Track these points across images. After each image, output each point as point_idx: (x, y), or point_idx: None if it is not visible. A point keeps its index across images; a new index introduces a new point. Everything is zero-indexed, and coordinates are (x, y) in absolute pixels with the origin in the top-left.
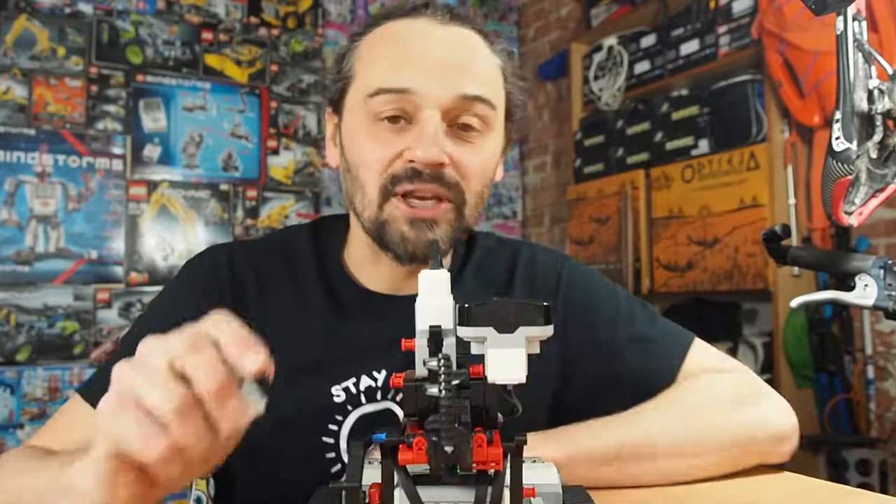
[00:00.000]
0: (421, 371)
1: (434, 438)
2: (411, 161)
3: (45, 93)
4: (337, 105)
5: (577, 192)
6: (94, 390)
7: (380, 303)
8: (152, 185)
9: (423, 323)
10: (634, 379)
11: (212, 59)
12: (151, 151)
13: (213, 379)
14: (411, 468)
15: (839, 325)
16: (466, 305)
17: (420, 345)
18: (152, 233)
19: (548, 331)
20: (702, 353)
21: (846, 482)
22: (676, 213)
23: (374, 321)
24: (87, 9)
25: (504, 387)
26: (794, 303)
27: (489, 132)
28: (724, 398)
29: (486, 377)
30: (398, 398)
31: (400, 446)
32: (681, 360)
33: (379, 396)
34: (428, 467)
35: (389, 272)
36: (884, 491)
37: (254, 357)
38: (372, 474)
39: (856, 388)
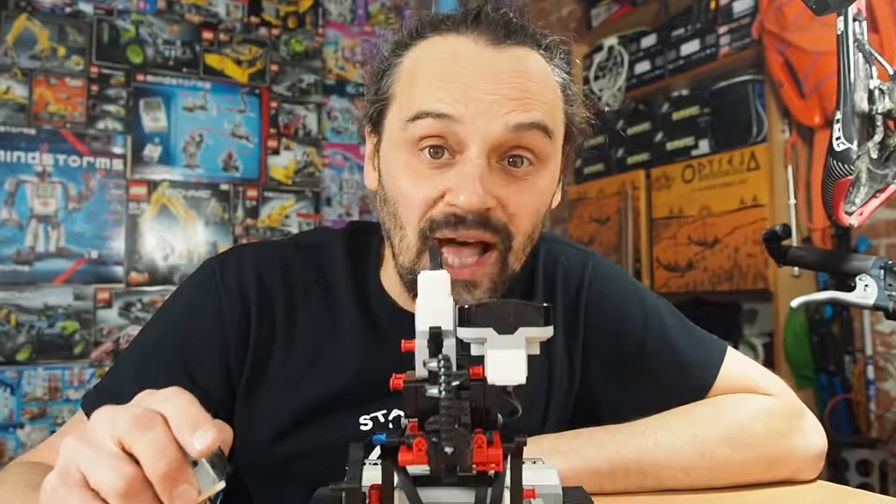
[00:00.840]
0: (421, 372)
1: (434, 439)
2: (453, 205)
3: (45, 92)
4: (376, 125)
5: (578, 192)
6: (95, 405)
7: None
8: (152, 185)
9: (422, 324)
10: (665, 396)
11: (212, 59)
12: (152, 151)
13: (162, 460)
14: (411, 469)
15: (839, 326)
16: (466, 306)
17: (420, 346)
18: (152, 233)
19: (547, 332)
20: (736, 365)
21: (846, 483)
22: (677, 213)
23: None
24: (87, 8)
25: (504, 388)
26: (795, 303)
27: (545, 164)
28: (747, 424)
29: (485, 378)
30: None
31: (400, 447)
32: (713, 375)
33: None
34: (428, 468)
35: None
36: (884, 491)
37: (201, 437)
38: (372, 475)
39: (856, 389)
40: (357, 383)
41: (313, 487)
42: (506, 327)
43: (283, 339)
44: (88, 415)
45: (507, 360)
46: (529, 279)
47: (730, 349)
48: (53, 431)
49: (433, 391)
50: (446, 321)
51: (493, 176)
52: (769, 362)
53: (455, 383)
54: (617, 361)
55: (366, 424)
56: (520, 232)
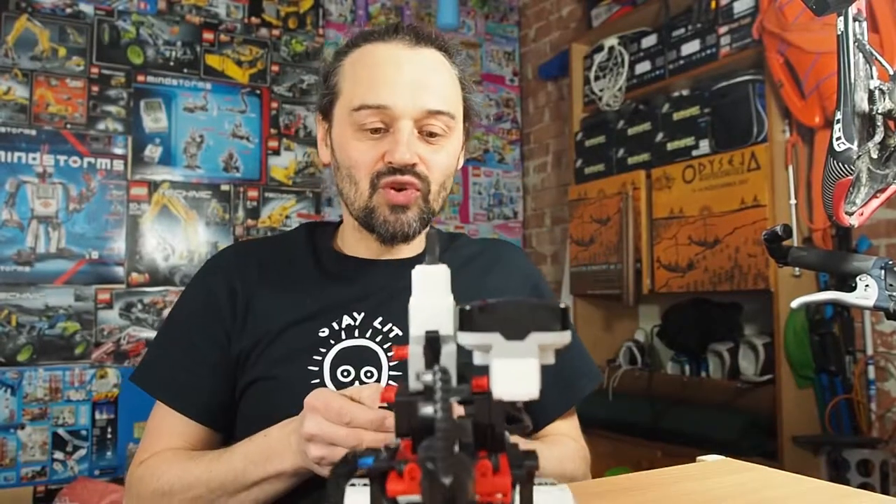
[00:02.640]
0: (415, 385)
1: (429, 466)
2: (391, 162)
3: (46, 93)
4: (326, 113)
5: (578, 192)
6: (172, 393)
7: (357, 265)
8: (153, 186)
9: (417, 328)
10: (568, 374)
11: (213, 60)
12: (152, 152)
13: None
14: (403, 500)
15: (840, 326)
16: (469, 307)
17: (414, 353)
18: (153, 233)
19: (564, 337)
20: (573, 419)
21: (847, 482)
22: (677, 213)
23: (351, 280)
24: (87, 9)
25: (513, 403)
26: (795, 303)
27: (450, 135)
28: (574, 464)
29: (490, 393)
30: (377, 338)
31: (389, 473)
32: (564, 409)
33: (357, 334)
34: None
35: (371, 245)
36: (884, 491)
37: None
38: (358, 499)
39: (856, 389)
40: (314, 309)
41: (281, 388)
42: (515, 332)
43: (258, 293)
44: (153, 392)
45: (516, 372)
46: (489, 264)
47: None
48: (55, 432)
49: (427, 409)
50: (445, 324)
51: (416, 142)
52: (770, 362)
53: (455, 399)
54: None
55: (323, 332)
56: (435, 180)
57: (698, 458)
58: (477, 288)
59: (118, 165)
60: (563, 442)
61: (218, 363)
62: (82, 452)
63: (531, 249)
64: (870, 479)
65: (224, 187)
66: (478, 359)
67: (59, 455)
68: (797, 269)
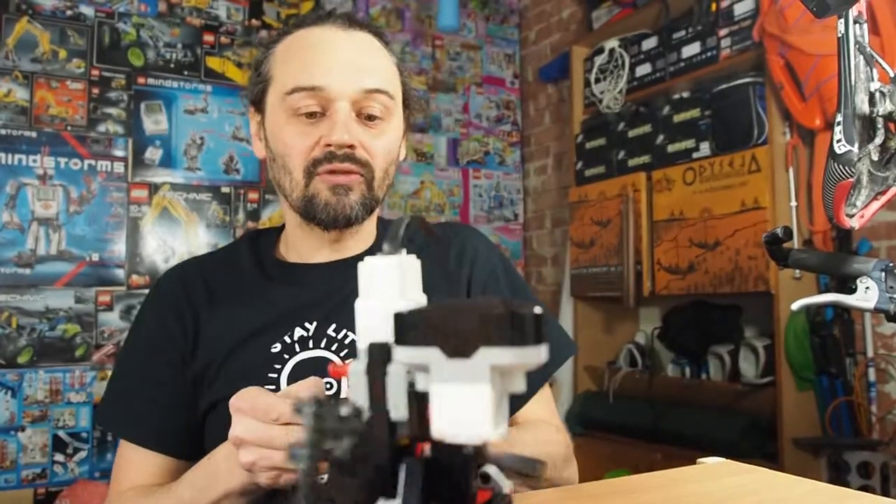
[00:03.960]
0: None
1: None
2: (328, 145)
3: (46, 95)
4: (258, 105)
5: (579, 194)
6: (134, 428)
7: (305, 271)
8: (154, 188)
9: (364, 339)
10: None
11: (213, 62)
12: (153, 154)
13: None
14: None
15: (840, 328)
16: (403, 311)
17: (354, 374)
18: (153, 235)
19: (534, 354)
20: (547, 396)
21: (847, 485)
22: (678, 215)
23: (301, 287)
24: (88, 11)
25: (461, 448)
26: (796, 305)
27: (390, 119)
28: (557, 447)
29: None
30: (333, 347)
31: None
32: (535, 389)
33: (311, 345)
34: None
35: (318, 245)
36: (885, 494)
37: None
38: None
39: (857, 391)
40: (264, 322)
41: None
42: (458, 346)
43: (208, 317)
44: (113, 430)
45: (459, 402)
46: (445, 249)
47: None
48: (55, 434)
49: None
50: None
51: (354, 125)
52: (770, 365)
53: (334, 445)
54: None
55: (276, 347)
56: (377, 167)
57: (699, 460)
58: (440, 282)
59: (119, 167)
60: (537, 425)
61: (175, 390)
62: (83, 455)
63: (532, 251)
64: (870, 481)
65: (224, 189)
66: (420, 383)
67: (59, 457)
68: (798, 271)
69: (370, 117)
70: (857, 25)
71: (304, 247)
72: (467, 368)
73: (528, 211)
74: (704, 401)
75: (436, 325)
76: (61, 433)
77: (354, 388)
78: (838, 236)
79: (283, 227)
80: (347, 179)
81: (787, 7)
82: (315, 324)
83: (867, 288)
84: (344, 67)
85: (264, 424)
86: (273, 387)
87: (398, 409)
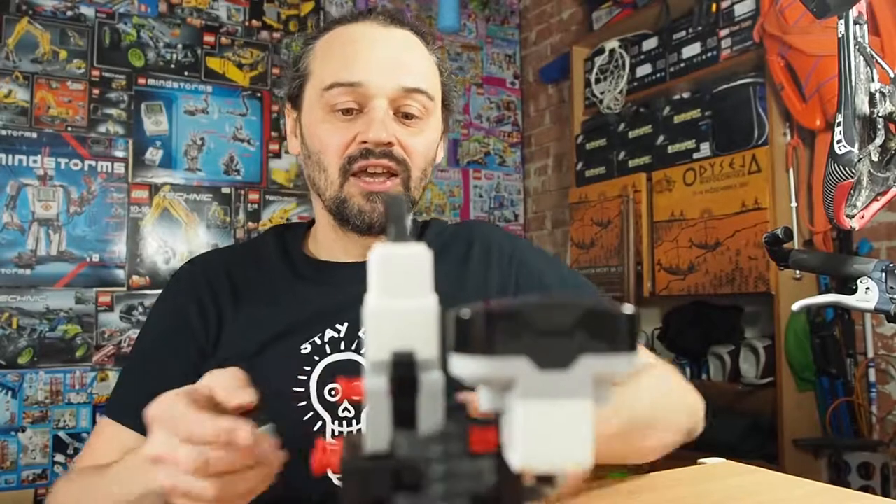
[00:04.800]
0: (377, 443)
1: None
2: (364, 142)
3: (46, 96)
4: (295, 101)
5: (579, 195)
6: (117, 408)
7: (337, 271)
8: (154, 188)
9: (378, 348)
10: None
11: (213, 63)
12: (153, 154)
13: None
14: None
15: (841, 328)
16: (470, 314)
17: (374, 390)
18: (154, 236)
19: (634, 361)
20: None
21: (847, 485)
22: (678, 216)
23: (332, 287)
24: (88, 12)
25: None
26: (796, 306)
27: (428, 118)
28: (681, 384)
29: (501, 458)
30: (362, 350)
31: None
32: None
33: (343, 347)
34: None
35: (350, 245)
36: (885, 494)
37: (241, 395)
38: None
39: (857, 391)
40: (293, 322)
41: (274, 418)
42: (555, 355)
43: (232, 312)
44: (114, 418)
45: (555, 424)
46: (467, 247)
47: None
48: (56, 435)
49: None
50: (424, 340)
51: (392, 123)
52: (770, 365)
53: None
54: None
55: (305, 348)
56: (415, 165)
57: (699, 460)
58: (460, 283)
59: (119, 168)
60: (642, 371)
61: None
62: None
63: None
64: (871, 481)
65: (225, 190)
66: (485, 401)
67: (59, 458)
68: (798, 271)
69: (408, 116)
70: (858, 26)
71: (336, 247)
72: (564, 381)
73: (529, 211)
74: (705, 401)
75: (524, 330)
76: (62, 434)
77: (373, 408)
78: (839, 237)
79: (311, 222)
80: (383, 187)
81: (787, 8)
82: (346, 325)
83: (867, 288)
84: (383, 64)
85: (175, 441)
86: (302, 389)
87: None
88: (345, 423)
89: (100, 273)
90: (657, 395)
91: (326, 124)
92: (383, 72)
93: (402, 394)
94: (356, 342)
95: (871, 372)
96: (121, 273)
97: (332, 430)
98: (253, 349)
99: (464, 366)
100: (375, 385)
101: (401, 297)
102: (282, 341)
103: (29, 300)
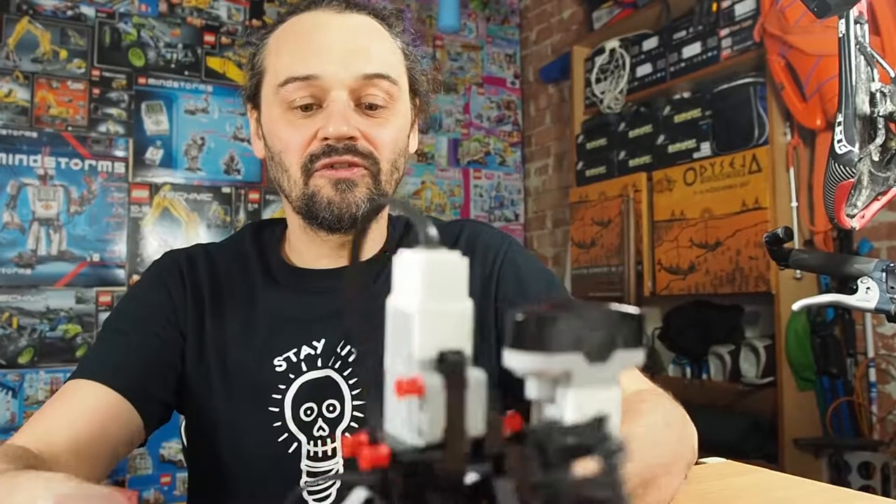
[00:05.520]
0: (411, 436)
1: None
2: (325, 139)
3: (47, 95)
4: (254, 100)
5: (579, 194)
6: (82, 369)
7: (311, 277)
8: (154, 188)
9: (425, 347)
10: None
11: (214, 62)
12: (153, 154)
13: None
14: None
15: (841, 328)
16: (523, 315)
17: (431, 386)
18: (154, 235)
19: (640, 356)
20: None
21: (848, 485)
22: (678, 215)
23: (308, 296)
24: (89, 11)
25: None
26: (796, 306)
27: (394, 106)
28: (680, 418)
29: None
30: (336, 365)
31: None
32: None
33: (320, 363)
34: None
35: (324, 250)
36: (886, 494)
37: None
38: None
39: (858, 391)
40: (269, 334)
41: (241, 434)
42: (600, 351)
43: (211, 312)
44: (83, 377)
45: (598, 407)
46: (452, 245)
47: None
48: None
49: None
50: (465, 340)
51: (354, 115)
52: (771, 365)
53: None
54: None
55: (280, 366)
56: (384, 158)
57: (700, 460)
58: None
59: (119, 168)
60: (640, 406)
61: (160, 357)
62: None
63: (532, 252)
64: (871, 481)
65: (225, 189)
66: (534, 390)
67: None
68: (798, 271)
69: (371, 106)
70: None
71: (308, 252)
72: (603, 372)
73: (529, 211)
74: (705, 401)
75: (579, 329)
76: None
77: (431, 404)
78: (839, 237)
79: (286, 222)
80: (350, 174)
81: (787, 7)
82: (323, 341)
83: (868, 288)
84: (339, 53)
85: None
86: (276, 409)
87: (477, 424)
88: (320, 442)
89: (100, 273)
90: (666, 439)
91: (285, 123)
92: (339, 61)
93: (455, 388)
94: (333, 358)
95: (872, 371)
96: (121, 273)
97: (308, 451)
98: (228, 360)
99: (521, 360)
100: (433, 381)
101: (444, 301)
102: (257, 356)
103: (29, 300)
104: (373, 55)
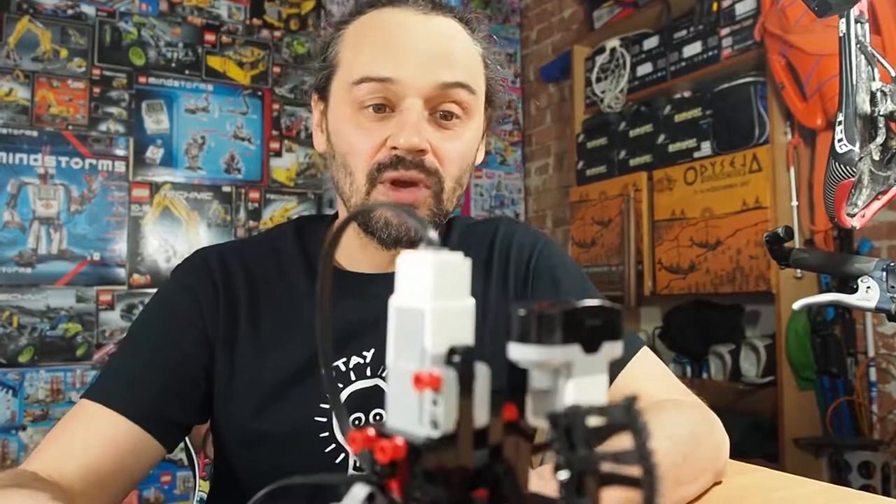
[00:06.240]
0: (425, 428)
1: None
2: (394, 148)
3: (47, 94)
4: (323, 92)
5: (580, 194)
6: (100, 391)
7: (362, 283)
8: (155, 187)
9: (436, 343)
10: None
11: (214, 61)
12: (154, 153)
13: None
14: None
15: (841, 328)
16: (526, 311)
17: (448, 379)
18: (155, 234)
19: (620, 347)
20: (652, 361)
21: (848, 484)
22: (679, 215)
23: (358, 301)
24: (89, 10)
25: None
26: (797, 305)
27: (469, 119)
28: (703, 423)
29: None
30: (385, 374)
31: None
32: (632, 352)
33: (369, 373)
34: None
35: (376, 255)
36: (886, 493)
37: None
38: None
39: (858, 391)
40: (313, 345)
41: (288, 446)
42: (594, 343)
43: (247, 317)
44: (95, 400)
45: (590, 394)
46: (489, 249)
47: (646, 350)
48: None
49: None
50: (469, 337)
51: (426, 125)
52: (771, 364)
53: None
54: None
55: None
56: (449, 176)
57: None
58: (485, 282)
59: (120, 167)
60: (661, 407)
61: (184, 374)
62: None
63: None
64: (871, 481)
65: (225, 189)
66: (539, 380)
67: None
68: (799, 270)
69: (446, 116)
70: (859, 25)
71: (360, 256)
72: (594, 362)
73: (530, 210)
74: (705, 400)
75: (577, 323)
76: None
77: (447, 397)
78: (839, 236)
79: (332, 218)
80: (412, 197)
81: (788, 6)
82: (373, 350)
83: (868, 287)
84: (419, 58)
85: None
86: (325, 419)
87: (482, 415)
88: None
89: (100, 271)
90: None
91: (354, 124)
92: (419, 66)
93: (466, 381)
94: (381, 367)
95: (872, 371)
96: (121, 271)
97: (355, 462)
98: (272, 368)
99: (526, 352)
100: (448, 375)
101: (451, 299)
102: (305, 366)
103: (30, 299)
104: (454, 62)
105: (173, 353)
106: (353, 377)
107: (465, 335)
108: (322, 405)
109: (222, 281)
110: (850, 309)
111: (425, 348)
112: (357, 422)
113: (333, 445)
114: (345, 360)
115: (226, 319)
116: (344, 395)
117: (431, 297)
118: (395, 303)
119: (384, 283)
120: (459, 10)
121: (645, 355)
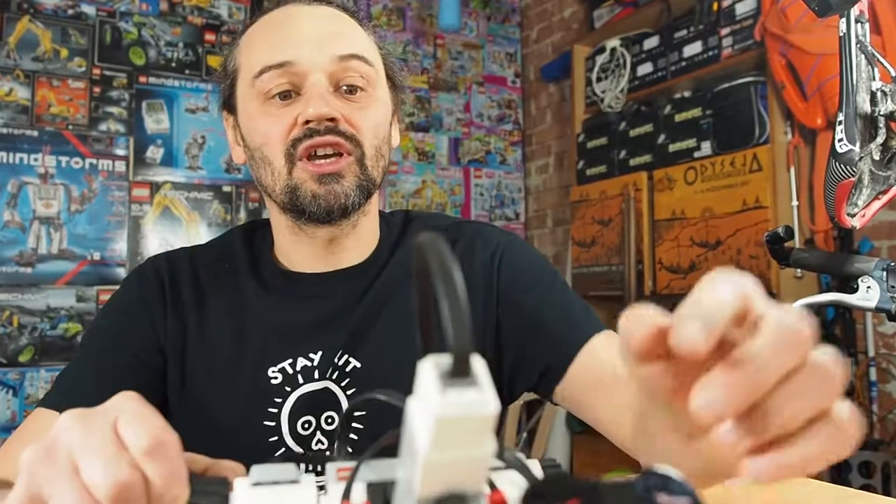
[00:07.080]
0: None
1: None
2: (306, 122)
3: (48, 94)
4: (230, 104)
5: (580, 193)
6: (53, 398)
7: (305, 282)
8: (155, 187)
9: (429, 487)
10: (550, 339)
11: (214, 61)
12: (154, 153)
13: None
14: None
15: (842, 327)
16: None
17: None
18: (155, 234)
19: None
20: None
21: (848, 484)
22: (679, 214)
23: (302, 301)
24: (89, 10)
25: None
26: (797, 305)
27: (374, 90)
28: None
29: None
30: (335, 376)
31: None
32: (594, 332)
33: (317, 376)
34: None
35: (312, 250)
36: (886, 493)
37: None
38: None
39: (858, 391)
40: (262, 343)
41: (236, 449)
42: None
43: (196, 322)
44: (50, 407)
45: None
46: (451, 245)
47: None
48: None
49: None
50: (475, 479)
51: (333, 98)
52: None
53: None
54: (520, 310)
55: (275, 378)
56: (367, 143)
57: None
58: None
59: (120, 166)
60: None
61: (137, 381)
62: None
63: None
64: (871, 480)
65: (226, 188)
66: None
67: None
68: (799, 270)
69: (351, 90)
70: (859, 25)
71: (295, 254)
72: None
73: (530, 210)
74: None
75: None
76: None
77: None
78: (840, 236)
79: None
80: (335, 167)
81: (788, 6)
82: (320, 353)
83: (868, 287)
84: (313, 38)
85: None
86: (273, 423)
87: None
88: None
89: (101, 271)
90: None
91: (263, 115)
92: (314, 45)
93: None
94: (329, 369)
95: (872, 371)
96: (122, 271)
97: (307, 466)
98: (219, 372)
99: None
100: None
101: (460, 449)
102: (250, 368)
103: (30, 298)
104: (347, 38)
105: (125, 358)
106: (300, 380)
107: (471, 479)
108: (270, 409)
109: (170, 288)
110: (850, 309)
111: (413, 490)
112: (307, 425)
113: (283, 450)
114: (291, 361)
115: (175, 325)
116: (292, 399)
117: (428, 447)
118: (411, 405)
119: (326, 283)
120: (343, 2)
121: (609, 336)
